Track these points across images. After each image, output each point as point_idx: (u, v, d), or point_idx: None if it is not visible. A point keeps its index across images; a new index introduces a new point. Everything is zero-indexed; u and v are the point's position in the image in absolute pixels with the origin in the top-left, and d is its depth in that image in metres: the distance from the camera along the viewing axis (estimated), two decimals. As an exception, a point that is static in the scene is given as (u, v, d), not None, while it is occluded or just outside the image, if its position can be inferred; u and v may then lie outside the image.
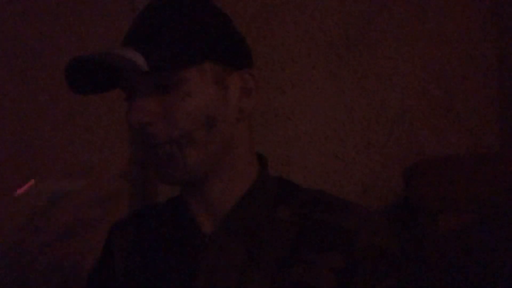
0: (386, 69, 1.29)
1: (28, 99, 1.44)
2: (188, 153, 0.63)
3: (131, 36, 0.64)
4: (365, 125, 1.29)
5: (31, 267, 1.38)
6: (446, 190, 1.08)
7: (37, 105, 1.43)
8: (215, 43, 0.64)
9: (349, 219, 0.65)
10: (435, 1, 1.28)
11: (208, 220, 0.68)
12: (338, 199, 0.69)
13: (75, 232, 1.40)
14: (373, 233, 0.64)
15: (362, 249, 0.63)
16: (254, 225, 0.66)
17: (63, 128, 1.43)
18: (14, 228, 1.38)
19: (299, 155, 1.31)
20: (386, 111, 1.29)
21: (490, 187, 1.07)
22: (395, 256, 0.65)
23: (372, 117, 1.29)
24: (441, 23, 1.28)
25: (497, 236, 0.97)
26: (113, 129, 1.42)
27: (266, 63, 1.33)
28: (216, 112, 0.64)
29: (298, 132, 1.32)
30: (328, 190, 0.72)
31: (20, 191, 0.57)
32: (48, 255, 1.39)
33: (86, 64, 0.62)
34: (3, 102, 1.44)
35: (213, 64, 0.64)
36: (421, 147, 1.25)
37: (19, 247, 1.39)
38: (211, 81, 0.64)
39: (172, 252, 0.68)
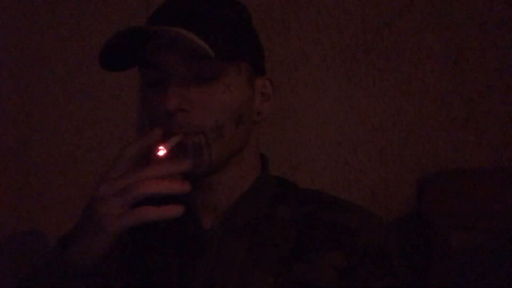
0: (404, 74, 1.25)
1: (30, 99, 1.42)
2: (214, 146, 0.64)
3: (176, 15, 0.62)
4: (379, 132, 1.25)
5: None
6: (462, 205, 1.03)
7: (44, 92, 1.42)
8: (251, 44, 0.68)
9: (350, 218, 0.67)
10: (457, 7, 1.23)
11: (209, 217, 0.68)
12: (338, 199, 0.71)
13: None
14: (374, 233, 0.66)
15: (363, 248, 0.64)
16: (255, 222, 0.67)
17: (64, 124, 1.41)
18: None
19: (308, 158, 1.28)
20: (402, 118, 1.24)
21: (509, 204, 1.01)
22: (394, 256, 0.66)
23: (387, 124, 1.25)
24: (464, 31, 1.23)
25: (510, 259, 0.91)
26: (121, 120, 1.40)
27: (280, 62, 1.30)
28: (245, 111, 0.67)
29: (309, 135, 1.29)
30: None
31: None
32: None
33: (133, 37, 0.61)
34: (3, 102, 1.43)
35: (247, 65, 0.67)
36: (437, 158, 1.20)
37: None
38: (245, 80, 0.66)
39: (172, 248, 0.68)
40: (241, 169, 0.69)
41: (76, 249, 0.57)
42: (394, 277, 0.64)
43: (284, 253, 0.65)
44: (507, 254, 0.92)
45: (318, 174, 1.27)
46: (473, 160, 1.18)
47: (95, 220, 0.56)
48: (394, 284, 0.64)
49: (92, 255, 0.56)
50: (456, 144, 1.20)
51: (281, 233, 0.66)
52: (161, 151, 0.59)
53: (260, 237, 0.66)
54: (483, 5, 1.22)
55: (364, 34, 1.27)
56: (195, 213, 0.69)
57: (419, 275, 1.01)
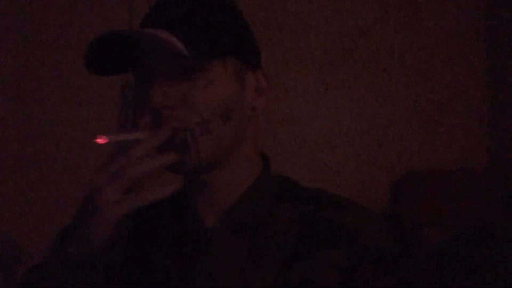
0: (378, 80, 1.31)
1: (17, 90, 1.42)
2: (202, 142, 0.62)
3: (160, 18, 0.63)
4: (355, 135, 1.30)
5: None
6: (433, 204, 1.09)
7: (28, 96, 1.42)
8: (239, 38, 0.66)
9: (352, 217, 0.65)
10: (428, 16, 1.30)
11: (211, 215, 0.67)
12: (340, 198, 0.69)
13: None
14: (376, 232, 0.65)
15: (365, 247, 0.63)
16: (257, 221, 0.66)
17: (49, 123, 1.41)
18: None
19: (288, 160, 1.31)
20: (376, 122, 1.29)
21: (477, 203, 1.07)
22: (396, 255, 0.65)
23: (362, 127, 1.30)
24: (434, 39, 1.30)
25: (479, 252, 0.97)
26: (102, 124, 1.41)
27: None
28: (234, 105, 0.65)
29: (288, 138, 1.32)
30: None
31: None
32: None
33: (115, 41, 0.62)
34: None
35: (234, 59, 0.65)
36: (409, 160, 1.26)
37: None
38: (232, 75, 0.65)
39: (173, 246, 0.67)
40: (239, 166, 0.67)
41: (76, 240, 0.57)
42: (395, 277, 0.63)
43: (285, 252, 0.64)
44: (475, 247, 0.98)
45: (296, 176, 1.29)
46: (443, 162, 1.24)
47: (93, 209, 0.56)
48: (396, 283, 0.63)
49: (92, 245, 0.56)
50: (427, 147, 1.26)
51: (282, 232, 0.65)
52: (101, 140, 0.58)
53: (261, 235, 0.65)
54: (451, 16, 1.29)
55: (341, 42, 1.32)
56: (196, 212, 0.67)
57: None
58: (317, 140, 1.31)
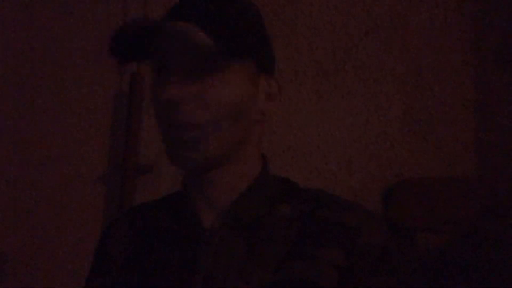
0: (370, 91, 1.34)
1: (6, 96, 1.41)
2: (211, 140, 0.63)
3: (187, 12, 0.63)
4: (348, 144, 1.32)
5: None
6: (424, 210, 1.12)
7: (15, 102, 1.41)
8: (258, 42, 0.67)
9: (350, 216, 0.66)
10: (418, 29, 1.34)
11: (210, 214, 0.67)
12: (339, 198, 0.70)
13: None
14: (374, 232, 0.65)
15: (363, 246, 0.64)
16: (255, 220, 0.66)
17: (41, 129, 1.40)
18: None
19: (281, 168, 1.32)
20: (368, 131, 1.32)
21: (465, 209, 1.10)
22: (394, 255, 0.66)
23: (354, 136, 1.32)
24: (423, 50, 1.34)
25: (471, 255, 1.00)
26: (94, 131, 1.40)
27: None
28: (245, 108, 0.66)
29: (281, 147, 1.34)
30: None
31: None
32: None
33: (141, 29, 0.62)
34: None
35: (252, 62, 0.66)
36: (400, 168, 1.28)
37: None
38: (247, 77, 0.66)
39: (172, 247, 0.67)
40: (242, 166, 0.68)
41: None
42: (394, 277, 0.64)
43: (283, 251, 0.63)
44: (465, 251, 1.01)
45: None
46: (433, 170, 1.27)
47: None
48: (394, 283, 0.63)
49: None
50: (417, 155, 1.29)
51: (281, 231, 0.65)
52: None
53: (260, 235, 0.65)
54: (440, 29, 1.34)
55: (333, 53, 1.36)
56: (195, 211, 0.68)
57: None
58: (310, 148, 1.33)
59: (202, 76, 0.63)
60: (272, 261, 0.63)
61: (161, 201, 0.76)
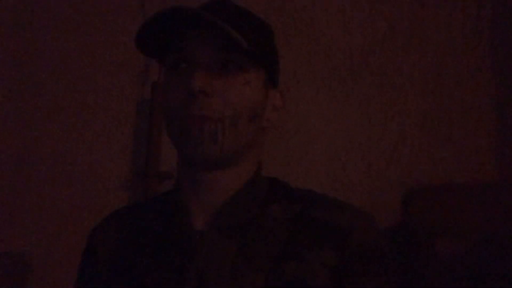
0: (388, 95, 1.33)
1: (31, 105, 1.45)
2: (228, 135, 0.65)
3: (217, 11, 0.65)
4: (366, 150, 1.32)
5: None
6: (444, 216, 1.11)
7: (40, 110, 1.45)
8: (271, 54, 0.71)
9: (342, 216, 0.66)
10: (435, 33, 1.33)
11: (201, 217, 0.68)
12: (330, 198, 0.71)
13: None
14: (366, 231, 0.65)
15: (355, 246, 0.64)
16: (247, 222, 0.67)
17: (65, 137, 1.44)
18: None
19: (299, 175, 1.33)
20: (387, 137, 1.31)
21: (486, 216, 1.09)
22: (386, 254, 0.66)
23: (373, 142, 1.32)
24: (441, 55, 1.32)
25: (492, 262, 0.99)
26: (116, 139, 1.43)
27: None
28: (259, 111, 0.69)
29: (300, 153, 1.34)
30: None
31: None
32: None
33: (178, 22, 0.64)
34: (5, 106, 1.45)
35: (264, 73, 0.70)
36: (420, 174, 1.27)
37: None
38: (261, 84, 0.69)
39: (162, 249, 0.67)
40: (240, 170, 0.69)
41: None
42: (386, 276, 0.64)
43: (275, 251, 0.63)
44: (486, 258, 0.99)
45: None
46: (453, 176, 1.25)
47: None
48: (387, 282, 0.64)
49: None
50: (437, 160, 1.28)
51: (272, 232, 0.65)
52: None
53: (251, 236, 0.65)
54: (459, 32, 1.32)
55: (351, 59, 1.36)
56: (186, 214, 0.68)
57: (408, 280, 1.07)
58: (328, 154, 1.33)
59: (227, 74, 0.65)
60: (264, 262, 0.63)
61: (150, 203, 0.76)
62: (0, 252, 1.38)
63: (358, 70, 1.35)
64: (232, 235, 0.65)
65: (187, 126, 0.64)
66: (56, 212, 1.41)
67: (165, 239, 0.68)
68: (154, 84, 1.39)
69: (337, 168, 1.32)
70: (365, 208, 1.26)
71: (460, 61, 1.31)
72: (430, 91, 1.32)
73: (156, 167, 1.37)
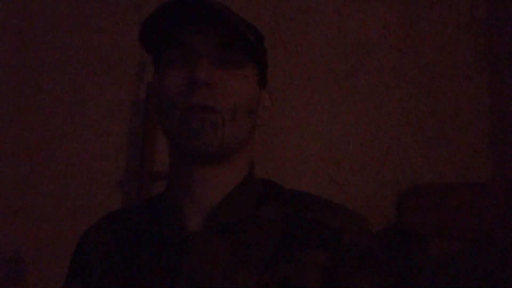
0: (383, 96, 1.33)
1: (25, 104, 1.45)
2: (228, 127, 0.66)
3: (220, 9, 0.65)
4: (360, 150, 1.32)
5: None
6: (437, 216, 1.11)
7: (35, 110, 1.44)
8: (264, 56, 0.73)
9: (334, 217, 0.66)
10: (430, 33, 1.34)
11: (194, 217, 0.68)
12: (322, 199, 0.71)
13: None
14: (358, 232, 0.66)
15: (347, 247, 0.64)
16: (239, 223, 0.67)
17: (59, 136, 1.43)
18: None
19: (294, 175, 1.33)
20: (381, 137, 1.32)
21: (479, 215, 1.09)
22: (378, 255, 0.66)
23: (367, 142, 1.32)
24: (436, 55, 1.33)
25: (485, 262, 0.99)
26: (111, 139, 1.43)
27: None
28: (255, 107, 0.70)
29: (295, 153, 1.34)
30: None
31: None
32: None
33: (182, 14, 0.65)
34: (4, 106, 1.45)
35: (257, 72, 0.72)
36: (413, 174, 1.28)
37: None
38: (256, 82, 0.71)
39: (155, 251, 0.67)
40: (234, 168, 0.69)
41: None
42: (378, 276, 0.64)
43: (268, 252, 0.63)
44: (478, 258, 1.00)
45: (303, 189, 1.32)
46: (446, 176, 1.26)
47: None
48: (379, 283, 0.64)
49: None
50: (430, 161, 1.29)
51: (265, 233, 0.65)
52: None
53: (244, 237, 0.65)
54: (453, 33, 1.33)
55: (345, 59, 1.36)
56: (180, 213, 0.68)
57: (401, 280, 1.07)
58: (322, 154, 1.33)
59: (226, 67, 0.66)
60: (257, 263, 0.63)
61: (142, 205, 0.76)
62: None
63: (353, 70, 1.35)
64: (225, 236, 0.65)
65: (188, 116, 0.64)
66: (50, 211, 1.40)
67: (159, 240, 0.68)
68: (149, 84, 1.39)
69: (331, 168, 1.32)
70: (359, 208, 1.28)
71: (454, 61, 1.32)
72: (424, 91, 1.32)
73: (150, 167, 1.37)
